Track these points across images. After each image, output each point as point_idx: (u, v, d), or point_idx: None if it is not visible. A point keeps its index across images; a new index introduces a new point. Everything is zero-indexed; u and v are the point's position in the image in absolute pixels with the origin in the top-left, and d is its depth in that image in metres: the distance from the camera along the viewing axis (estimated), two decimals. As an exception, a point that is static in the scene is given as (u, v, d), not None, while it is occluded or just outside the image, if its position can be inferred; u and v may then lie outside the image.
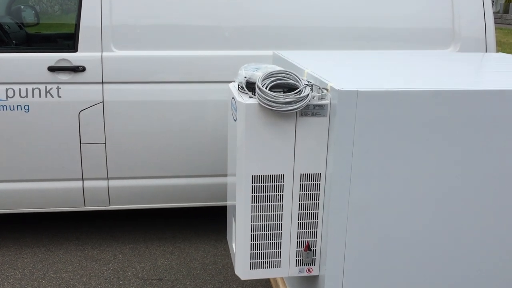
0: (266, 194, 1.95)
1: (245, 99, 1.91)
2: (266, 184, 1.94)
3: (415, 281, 2.04)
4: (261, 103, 1.85)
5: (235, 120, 1.99)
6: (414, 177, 1.93)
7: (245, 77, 1.99)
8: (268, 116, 1.88)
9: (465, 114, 1.90)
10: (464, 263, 2.05)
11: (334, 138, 1.87)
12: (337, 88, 1.83)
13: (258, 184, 1.94)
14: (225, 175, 3.16)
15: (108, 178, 3.13)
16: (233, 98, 2.04)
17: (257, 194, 1.94)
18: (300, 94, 1.86)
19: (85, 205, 3.18)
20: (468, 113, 1.90)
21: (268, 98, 1.84)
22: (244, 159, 1.91)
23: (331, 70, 2.24)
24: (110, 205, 3.20)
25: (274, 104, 1.84)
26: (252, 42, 3.08)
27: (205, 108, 3.09)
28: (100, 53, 2.98)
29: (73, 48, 2.98)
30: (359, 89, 1.84)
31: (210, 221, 3.64)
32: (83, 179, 3.11)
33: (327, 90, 1.93)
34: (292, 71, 1.95)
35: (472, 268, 2.06)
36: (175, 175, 3.18)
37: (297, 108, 1.85)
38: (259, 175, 1.93)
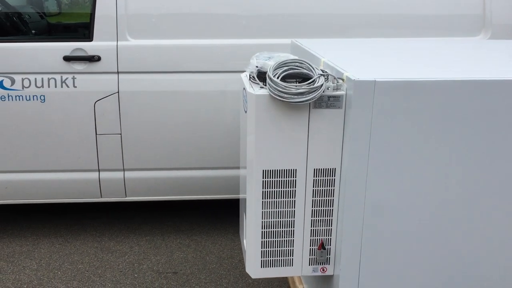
0: (278, 189, 1.86)
1: (256, 90, 1.81)
2: (278, 179, 1.85)
3: (433, 282, 1.93)
4: (272, 94, 1.76)
5: (246, 112, 1.90)
6: (435, 172, 1.81)
7: (257, 66, 1.90)
8: (280, 107, 1.79)
9: (491, 105, 1.77)
10: (486, 265, 1.92)
11: (350, 131, 1.76)
12: (353, 78, 1.72)
13: (269, 179, 1.85)
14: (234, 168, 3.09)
15: (124, 170, 3.09)
16: (244, 88, 1.95)
17: (268, 189, 1.85)
18: (313, 84, 1.76)
19: (101, 197, 3.16)
20: (494, 104, 1.77)
21: (279, 89, 1.74)
22: (254, 152, 1.82)
23: (349, 59, 2.12)
24: (126, 197, 3.16)
25: (286, 95, 1.74)
26: (272, 30, 2.98)
27: (223, 98, 3.01)
28: (116, 42, 2.93)
29: (88, 37, 2.93)
30: (376, 79, 1.72)
31: (228, 213, 3.57)
32: (99, 170, 3.08)
33: (342, 80, 1.82)
34: (305, 60, 1.85)
35: (494, 269, 1.94)
36: (192, 167, 3.11)
37: (310, 100, 1.75)
38: (270, 170, 1.84)
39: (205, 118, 3.02)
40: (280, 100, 1.75)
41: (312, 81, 1.77)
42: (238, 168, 3.11)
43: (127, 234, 3.33)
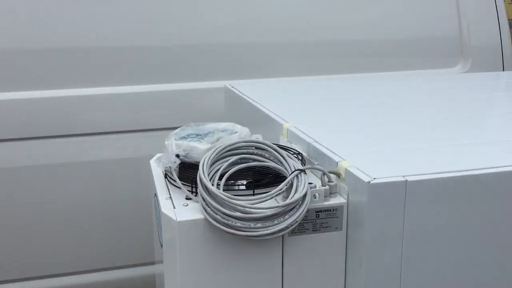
0: None
1: (178, 209, 0.93)
2: None
3: None
4: (211, 219, 0.88)
5: (161, 247, 1.01)
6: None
7: (177, 155, 1.02)
8: (228, 242, 0.92)
9: None
10: None
11: (364, 274, 0.93)
12: (367, 179, 0.89)
13: None
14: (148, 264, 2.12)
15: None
16: (155, 195, 1.06)
17: None
18: (291, 196, 0.90)
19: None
20: None
21: (227, 212, 0.87)
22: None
23: (326, 123, 1.31)
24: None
25: (241, 225, 0.87)
26: (190, 70, 2.09)
27: (118, 169, 2.05)
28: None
29: None
30: (408, 178, 0.91)
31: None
32: None
33: (338, 175, 0.99)
34: (267, 143, 1.00)
35: None
36: (79, 270, 2.12)
37: (287, 228, 0.89)
38: None
39: (93, 199, 2.05)
40: (229, 233, 0.88)
41: (289, 186, 0.92)
42: (144, 265, 2.15)
43: None
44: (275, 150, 0.98)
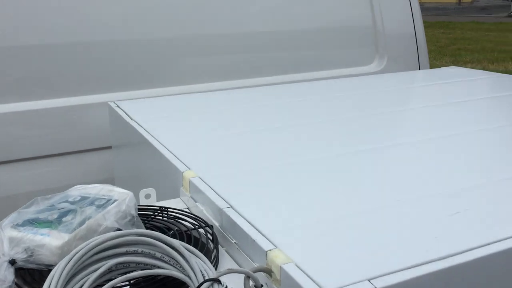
0: None
1: None
2: None
3: None
4: None
5: None
6: None
7: (13, 260, 0.63)
8: None
9: None
10: None
11: None
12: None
13: None
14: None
15: None
16: None
17: None
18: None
19: None
20: None
21: None
22: None
23: (238, 165, 0.96)
24: None
25: None
26: (67, 81, 1.64)
27: None
28: None
29: None
30: (375, 283, 0.60)
31: None
32: None
33: (268, 273, 0.66)
34: (156, 237, 0.64)
35: None
36: None
37: None
38: None
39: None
40: None
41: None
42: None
43: None
44: (171, 246, 0.62)
